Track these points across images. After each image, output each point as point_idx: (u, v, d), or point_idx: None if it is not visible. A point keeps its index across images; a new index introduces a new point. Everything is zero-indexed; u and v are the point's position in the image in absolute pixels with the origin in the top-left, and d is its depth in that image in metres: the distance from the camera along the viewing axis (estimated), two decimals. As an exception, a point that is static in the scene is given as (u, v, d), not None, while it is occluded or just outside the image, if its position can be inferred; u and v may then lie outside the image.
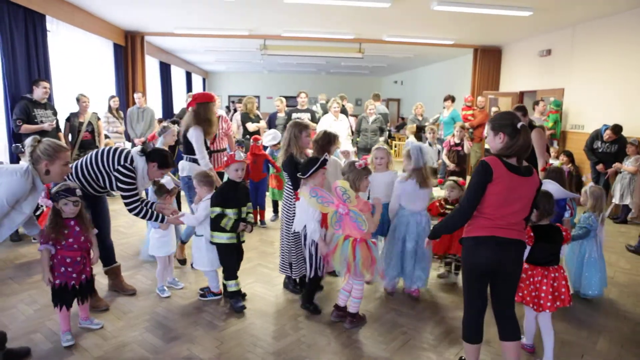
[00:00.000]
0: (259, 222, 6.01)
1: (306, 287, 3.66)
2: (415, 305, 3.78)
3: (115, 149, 3.42)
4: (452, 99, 8.93)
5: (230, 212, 3.46)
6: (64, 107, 6.95)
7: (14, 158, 5.80)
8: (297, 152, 3.66)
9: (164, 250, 3.80)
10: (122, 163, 3.33)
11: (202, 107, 4.19)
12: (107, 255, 3.77)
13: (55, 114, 6.09)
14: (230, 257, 3.59)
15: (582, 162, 7.65)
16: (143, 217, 3.43)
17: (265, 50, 10.74)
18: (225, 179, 3.82)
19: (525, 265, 2.94)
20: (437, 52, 12.12)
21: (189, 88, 16.09)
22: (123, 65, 9.70)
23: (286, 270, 3.84)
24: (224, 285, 3.68)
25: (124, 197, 3.36)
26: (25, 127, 5.63)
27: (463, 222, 2.58)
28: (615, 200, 6.60)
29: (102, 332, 3.20)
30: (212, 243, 3.53)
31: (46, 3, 6.61)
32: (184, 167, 4.31)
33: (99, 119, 7.13)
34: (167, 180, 3.95)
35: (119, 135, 7.91)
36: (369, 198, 3.83)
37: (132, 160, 3.35)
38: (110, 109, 7.93)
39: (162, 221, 3.48)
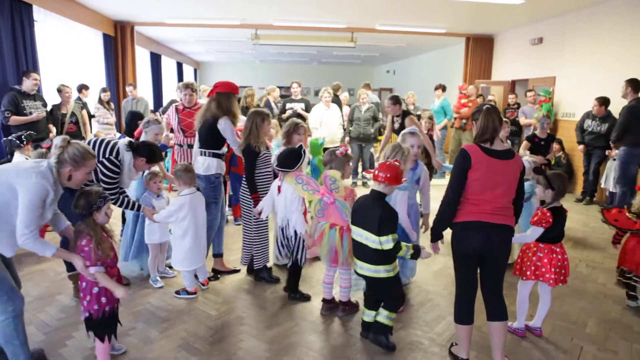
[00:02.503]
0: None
1: (288, 277, 3.66)
2: (407, 292, 3.81)
3: (102, 141, 3.36)
4: (443, 88, 8.93)
5: None
6: (53, 98, 6.88)
7: (4, 153, 5.73)
8: (255, 141, 3.62)
9: (154, 237, 3.75)
10: (106, 156, 3.26)
11: (224, 97, 3.76)
12: None
13: (45, 105, 6.04)
14: None
15: (573, 150, 7.71)
16: (120, 206, 3.41)
17: (257, 40, 10.65)
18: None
19: (540, 244, 3.04)
20: (429, 41, 12.09)
21: (180, 78, 15.95)
22: (113, 56, 9.60)
23: (247, 261, 3.93)
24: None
25: (105, 183, 3.27)
26: (14, 119, 5.57)
27: (452, 212, 2.65)
28: (606, 186, 6.65)
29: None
30: None
31: (33, -7, 6.52)
32: (210, 164, 3.80)
33: (82, 108, 7.03)
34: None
35: (109, 127, 7.84)
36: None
37: (117, 153, 3.29)
38: (100, 100, 7.85)
39: (137, 210, 3.46)
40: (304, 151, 3.42)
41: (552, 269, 3.00)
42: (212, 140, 3.78)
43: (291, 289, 3.64)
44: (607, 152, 6.68)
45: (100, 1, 7.98)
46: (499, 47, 10.53)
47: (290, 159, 3.35)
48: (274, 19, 9.26)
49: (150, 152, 3.43)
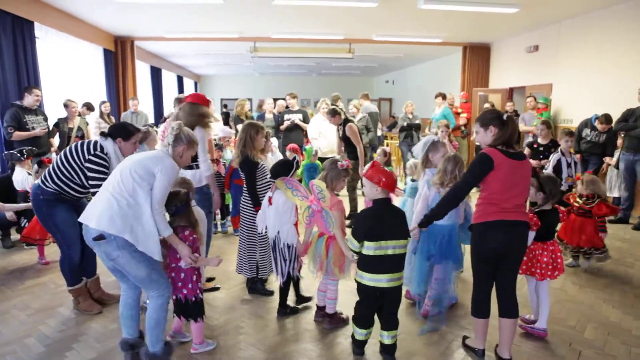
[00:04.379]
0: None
1: (280, 294, 3.57)
2: (406, 300, 3.82)
3: (82, 143, 3.31)
4: (443, 96, 8.99)
5: None
6: (55, 113, 6.96)
7: (6, 167, 5.80)
8: (252, 153, 3.65)
9: None
10: (92, 152, 3.23)
11: (193, 106, 3.78)
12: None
13: (45, 119, 6.12)
14: None
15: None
16: None
17: (255, 53, 10.77)
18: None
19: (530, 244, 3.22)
20: (427, 51, 12.20)
21: (181, 92, 16.08)
22: (113, 70, 9.71)
23: (250, 272, 3.86)
24: None
25: (94, 187, 3.20)
26: (18, 134, 5.64)
27: (453, 208, 2.91)
28: (611, 193, 6.68)
29: (95, 335, 3.22)
30: None
31: (34, 10, 6.63)
32: (200, 176, 3.81)
33: (87, 123, 7.15)
34: None
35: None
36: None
37: (102, 148, 3.25)
38: (101, 114, 7.94)
39: None
40: (297, 162, 3.43)
41: (539, 264, 3.19)
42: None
43: (281, 305, 3.56)
44: (604, 160, 6.67)
45: (100, 17, 8.10)
46: (496, 56, 10.62)
47: (283, 169, 3.34)
48: (272, 31, 9.36)
49: (123, 130, 3.36)
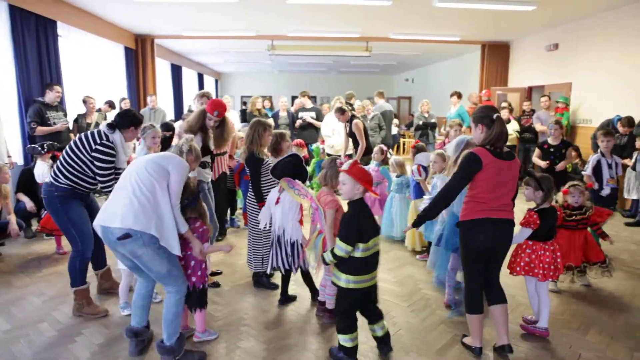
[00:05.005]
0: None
1: (281, 283, 3.72)
2: (408, 297, 3.85)
3: (86, 134, 3.34)
4: (459, 95, 8.92)
5: None
6: (77, 109, 7.20)
7: (29, 159, 6.03)
8: (258, 150, 3.75)
9: None
10: (98, 142, 3.26)
11: (201, 114, 4.05)
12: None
13: (65, 115, 6.33)
14: None
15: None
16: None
17: (273, 51, 10.87)
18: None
19: (529, 242, 3.26)
20: (446, 49, 12.10)
21: (201, 89, 16.31)
22: (134, 68, 9.95)
23: (255, 266, 3.94)
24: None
25: (102, 176, 3.30)
26: (41, 129, 5.84)
27: (445, 206, 2.98)
28: (629, 196, 6.56)
29: (104, 322, 3.35)
30: None
31: (57, 9, 6.86)
32: (198, 172, 4.02)
33: (105, 118, 7.35)
34: None
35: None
36: None
37: (107, 136, 3.30)
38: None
39: None
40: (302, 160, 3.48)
41: (541, 265, 3.19)
42: None
43: (282, 294, 3.71)
44: (623, 162, 6.53)
45: (121, 16, 8.32)
46: (515, 54, 10.47)
47: (288, 169, 3.35)
48: (288, 29, 9.44)
49: (131, 119, 3.42)
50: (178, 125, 5.51)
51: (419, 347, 3.06)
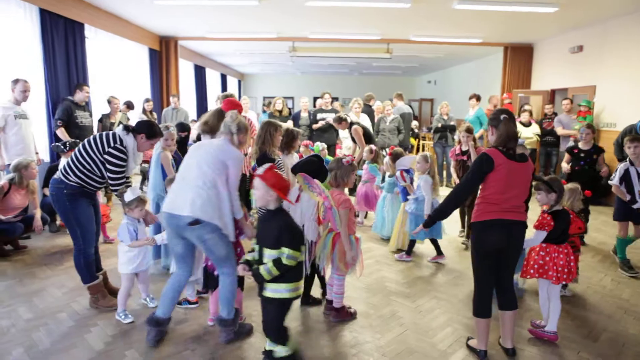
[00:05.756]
0: None
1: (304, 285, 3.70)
2: (416, 298, 3.87)
3: (101, 135, 3.38)
4: (478, 97, 8.84)
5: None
6: (101, 109, 7.44)
7: (55, 156, 6.27)
8: (270, 150, 3.81)
9: (131, 266, 3.41)
10: (112, 145, 3.31)
11: (217, 113, 3.79)
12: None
13: (91, 115, 6.56)
14: None
15: (613, 161, 7.40)
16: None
17: (294, 52, 10.98)
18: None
19: (543, 244, 3.25)
20: (468, 51, 12.00)
21: (224, 90, 16.56)
22: (158, 69, 10.21)
23: None
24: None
25: (113, 179, 3.35)
26: (61, 131, 6.01)
27: (456, 207, 3.00)
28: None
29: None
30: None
31: (85, 12, 7.11)
32: None
33: (128, 119, 7.57)
34: (128, 193, 3.40)
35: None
36: None
37: (120, 141, 3.36)
38: (144, 111, 8.38)
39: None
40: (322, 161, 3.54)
41: (555, 267, 3.17)
42: None
43: (303, 293, 3.68)
44: None
45: (146, 18, 8.56)
46: (538, 56, 10.30)
47: (310, 168, 3.39)
48: (309, 31, 9.53)
49: (148, 128, 3.49)
50: (196, 127, 5.64)
51: (424, 349, 3.07)
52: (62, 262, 4.57)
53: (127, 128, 3.42)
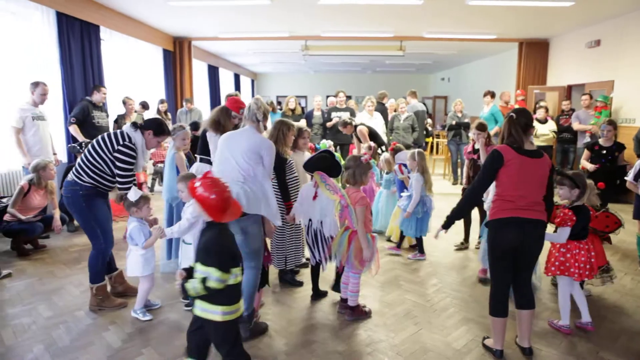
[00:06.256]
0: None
1: (312, 280, 3.77)
2: (430, 297, 3.85)
3: (109, 134, 3.41)
4: (492, 94, 8.73)
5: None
6: (117, 110, 7.54)
7: (72, 158, 6.37)
8: (282, 149, 3.76)
9: (149, 267, 3.40)
10: (121, 142, 3.34)
11: (223, 111, 3.79)
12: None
13: (107, 115, 6.65)
14: None
15: (632, 157, 7.25)
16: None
17: (307, 51, 10.98)
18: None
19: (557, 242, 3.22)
20: (482, 48, 11.86)
21: (237, 89, 16.64)
22: (172, 69, 10.30)
23: (279, 264, 3.99)
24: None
25: (122, 177, 3.37)
26: (74, 128, 6.08)
27: (472, 207, 3.02)
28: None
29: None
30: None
31: (100, 14, 7.21)
32: (203, 169, 3.75)
33: (143, 119, 7.65)
34: (132, 193, 3.35)
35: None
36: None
37: (129, 138, 3.39)
38: (158, 112, 8.47)
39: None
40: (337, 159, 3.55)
41: (576, 264, 3.16)
42: (205, 147, 3.90)
43: (314, 289, 3.77)
44: None
45: (159, 19, 8.64)
46: (554, 51, 10.14)
47: (322, 164, 3.46)
48: (321, 30, 9.52)
49: (156, 125, 3.53)
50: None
51: (439, 348, 3.05)
52: (80, 261, 4.64)
53: (135, 125, 3.45)
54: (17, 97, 5.58)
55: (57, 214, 5.09)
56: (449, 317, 3.50)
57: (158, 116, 8.34)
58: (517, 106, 9.08)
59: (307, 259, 4.53)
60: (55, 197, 5.17)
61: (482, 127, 4.67)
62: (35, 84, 5.31)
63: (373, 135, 6.52)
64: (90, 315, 3.47)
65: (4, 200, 5.07)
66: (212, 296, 2.23)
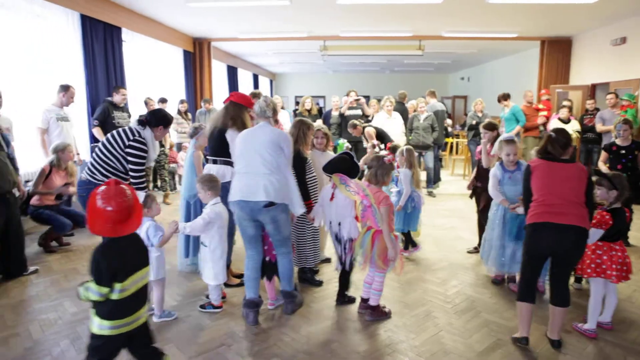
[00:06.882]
0: None
1: (339, 283, 3.71)
2: (451, 298, 3.81)
3: (119, 131, 3.48)
4: (505, 96, 8.59)
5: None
6: (139, 109, 7.65)
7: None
8: (303, 148, 3.80)
9: (162, 271, 3.39)
10: (131, 138, 3.42)
11: (236, 107, 3.77)
12: None
13: (129, 116, 6.75)
14: None
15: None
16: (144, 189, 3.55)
17: (325, 51, 10.99)
18: None
19: (599, 243, 3.18)
20: (502, 46, 11.70)
21: (256, 89, 16.72)
22: (192, 70, 10.42)
23: (299, 262, 4.01)
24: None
25: (135, 172, 3.44)
26: (97, 130, 6.22)
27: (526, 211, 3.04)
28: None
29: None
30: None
31: (122, 17, 7.33)
32: (224, 172, 3.77)
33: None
34: (140, 194, 3.36)
35: (185, 136, 8.53)
36: None
37: (139, 133, 3.46)
38: (179, 112, 8.58)
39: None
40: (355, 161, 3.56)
41: (614, 266, 3.11)
42: (223, 148, 3.75)
43: (340, 295, 3.71)
44: None
45: (180, 20, 8.75)
46: (578, 50, 9.94)
47: (342, 166, 3.47)
48: (340, 30, 9.51)
49: (163, 118, 3.62)
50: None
51: (459, 349, 3.02)
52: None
53: (141, 122, 3.54)
54: (42, 99, 5.71)
55: (73, 189, 5.10)
56: (470, 318, 3.46)
57: (179, 116, 8.46)
58: (541, 105, 8.96)
59: (328, 258, 4.55)
60: (75, 178, 5.25)
61: (489, 127, 4.47)
62: (66, 88, 5.46)
63: (381, 135, 6.51)
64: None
65: (29, 184, 5.16)
66: (96, 306, 2.18)
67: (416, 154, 7.71)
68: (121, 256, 2.18)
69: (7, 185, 3.93)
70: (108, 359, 2.24)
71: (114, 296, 2.14)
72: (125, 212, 2.15)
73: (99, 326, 2.17)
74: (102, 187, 2.16)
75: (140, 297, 2.29)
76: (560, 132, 2.97)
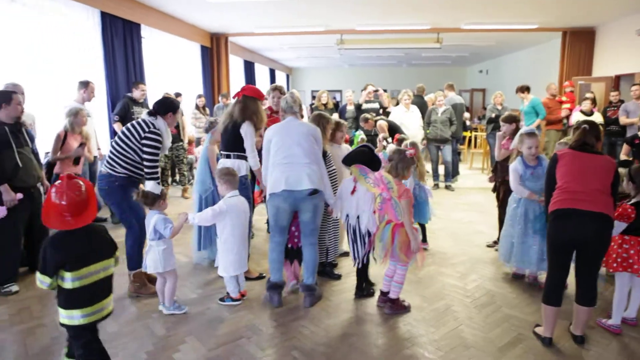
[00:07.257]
0: None
1: (357, 278, 3.73)
2: (471, 292, 3.78)
3: (133, 124, 3.55)
4: (522, 89, 8.41)
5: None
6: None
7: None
8: (323, 142, 3.74)
9: (171, 262, 3.41)
10: (147, 130, 3.48)
11: (250, 100, 3.79)
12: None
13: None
14: None
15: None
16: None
17: (342, 45, 10.94)
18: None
19: (625, 236, 3.09)
20: (522, 38, 11.48)
21: (273, 83, 16.75)
22: (209, 65, 10.49)
23: (324, 257, 4.00)
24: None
25: (149, 162, 3.49)
26: (118, 126, 6.30)
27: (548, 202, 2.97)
28: None
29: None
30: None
31: (141, 14, 7.41)
32: (239, 165, 3.81)
33: (182, 114, 7.80)
34: (154, 186, 3.48)
35: (202, 130, 8.60)
36: None
37: (153, 125, 3.52)
38: (197, 106, 8.65)
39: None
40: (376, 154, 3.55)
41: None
42: (237, 142, 3.77)
43: (358, 288, 3.72)
44: None
45: (197, 16, 8.80)
46: (601, 40, 9.69)
47: (362, 158, 3.46)
48: (357, 23, 9.45)
49: (171, 105, 3.67)
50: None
51: (479, 344, 3.00)
52: (123, 253, 4.79)
53: (151, 113, 3.60)
54: (65, 95, 5.81)
55: (89, 152, 5.22)
56: (490, 313, 3.43)
57: (197, 111, 8.52)
58: (564, 98, 8.78)
59: (346, 252, 4.54)
60: (90, 143, 5.33)
61: (509, 119, 4.50)
62: (86, 84, 5.54)
63: (393, 129, 6.46)
64: (135, 304, 3.60)
65: (49, 153, 5.17)
66: (57, 296, 2.27)
67: (431, 147, 7.76)
68: (71, 248, 2.22)
69: (31, 180, 4.02)
70: (88, 344, 2.33)
71: (67, 285, 2.20)
72: (78, 206, 2.21)
73: (61, 316, 2.26)
74: (58, 182, 2.23)
75: (103, 287, 2.34)
76: (593, 126, 2.96)
